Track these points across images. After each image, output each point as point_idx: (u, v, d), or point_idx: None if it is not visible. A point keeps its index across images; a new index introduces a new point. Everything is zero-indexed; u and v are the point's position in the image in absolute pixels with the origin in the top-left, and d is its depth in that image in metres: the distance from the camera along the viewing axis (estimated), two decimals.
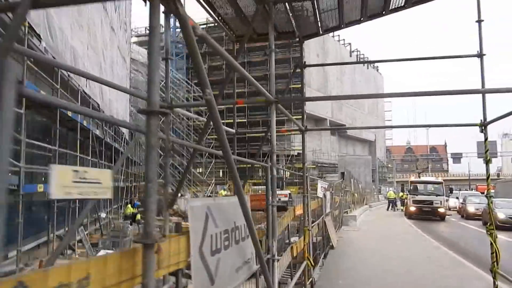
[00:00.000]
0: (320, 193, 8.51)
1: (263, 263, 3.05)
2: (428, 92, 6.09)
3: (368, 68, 71.48)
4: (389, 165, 76.63)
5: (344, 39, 60.92)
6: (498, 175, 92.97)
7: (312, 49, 50.98)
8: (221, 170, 45.88)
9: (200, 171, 42.51)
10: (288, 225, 7.39)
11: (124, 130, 24.50)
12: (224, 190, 38.69)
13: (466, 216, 25.47)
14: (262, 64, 49.26)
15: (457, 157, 59.70)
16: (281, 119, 46.94)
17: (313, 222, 8.80)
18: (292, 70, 47.12)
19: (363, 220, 21.04)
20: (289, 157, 46.22)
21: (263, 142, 6.72)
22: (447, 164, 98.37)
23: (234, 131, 6.19)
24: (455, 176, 75.87)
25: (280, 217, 4.88)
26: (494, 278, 5.89)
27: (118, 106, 21.74)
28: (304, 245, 5.95)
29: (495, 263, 5.82)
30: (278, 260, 3.86)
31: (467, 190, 45.94)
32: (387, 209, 33.22)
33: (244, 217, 2.71)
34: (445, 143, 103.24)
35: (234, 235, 2.87)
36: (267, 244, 4.04)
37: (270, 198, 3.97)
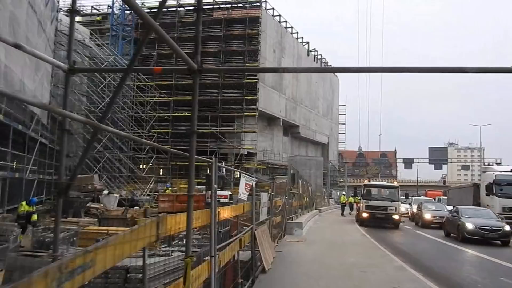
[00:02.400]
0: (242, 195, 5.64)
1: None
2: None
3: None
4: (341, 169, 75.65)
5: (302, 37, 59.07)
6: (444, 182, 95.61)
7: (269, 43, 48.48)
8: (162, 168, 42.33)
9: (141, 167, 38.68)
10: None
11: (38, 110, 20.33)
12: (169, 188, 35.46)
13: (422, 224, 23.50)
14: (216, 39, 45.71)
15: (408, 162, 59.24)
16: (231, 115, 44.09)
17: (232, 236, 5.86)
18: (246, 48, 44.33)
19: (310, 228, 18.43)
20: (238, 156, 43.38)
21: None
22: (396, 170, 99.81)
23: None
24: (404, 182, 76.17)
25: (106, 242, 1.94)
26: None
27: (25, 80, 17.69)
28: None
29: None
30: None
31: (415, 196, 44.76)
32: (342, 214, 31.76)
33: None
34: (395, 150, 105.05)
35: None
36: None
37: None
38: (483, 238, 15.52)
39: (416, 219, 25.59)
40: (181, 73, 45.72)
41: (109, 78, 37.76)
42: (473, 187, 25.19)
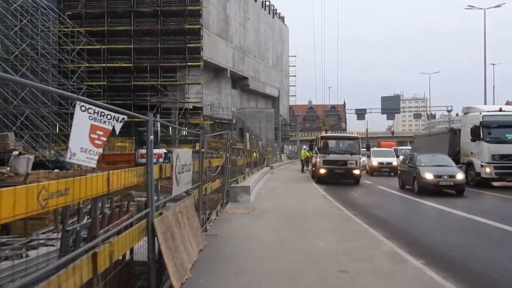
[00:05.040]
0: (78, 154, 2.21)
1: None
2: None
3: (273, 17, 65.95)
4: (292, 123, 73.44)
5: None
6: (392, 132, 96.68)
7: None
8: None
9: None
10: None
11: None
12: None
13: (419, 188, 15.30)
14: (152, 16, 40.46)
15: (361, 113, 57.58)
16: (173, 65, 39.44)
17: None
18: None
19: (261, 189, 15.35)
20: (183, 111, 39.28)
21: None
22: (345, 123, 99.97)
23: None
24: (355, 134, 75.30)
25: None
26: None
27: None
28: None
29: None
30: None
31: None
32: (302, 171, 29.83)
33: None
34: (344, 102, 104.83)
35: None
36: None
37: None
38: None
39: (403, 181, 17.75)
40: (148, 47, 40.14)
41: (25, 21, 31.85)
42: (450, 133, 21.77)
